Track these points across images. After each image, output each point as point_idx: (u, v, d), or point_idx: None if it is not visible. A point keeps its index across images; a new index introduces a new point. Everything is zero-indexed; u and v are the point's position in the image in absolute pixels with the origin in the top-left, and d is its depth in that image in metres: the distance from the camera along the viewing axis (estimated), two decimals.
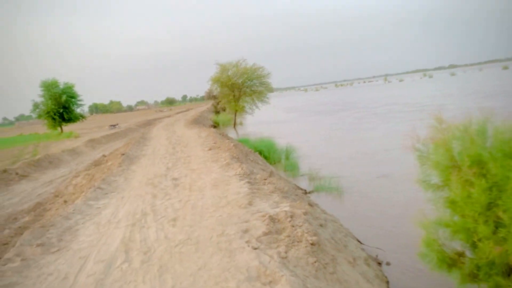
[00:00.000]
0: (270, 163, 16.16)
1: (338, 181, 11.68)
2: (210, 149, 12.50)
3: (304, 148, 17.84)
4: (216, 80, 36.69)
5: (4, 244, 6.90)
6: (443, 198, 4.90)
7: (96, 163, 16.03)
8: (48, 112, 34.94)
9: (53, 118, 35.30)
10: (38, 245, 5.12)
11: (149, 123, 42.92)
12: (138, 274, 4.07)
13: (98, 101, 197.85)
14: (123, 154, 13.39)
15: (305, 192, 11.33)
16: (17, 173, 15.62)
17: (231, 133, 30.93)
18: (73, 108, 36.78)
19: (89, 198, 7.63)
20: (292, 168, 14.66)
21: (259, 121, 37.11)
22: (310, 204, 6.55)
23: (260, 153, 17.09)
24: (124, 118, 75.04)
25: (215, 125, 40.48)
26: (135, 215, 6.22)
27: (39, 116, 36.60)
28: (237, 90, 36.59)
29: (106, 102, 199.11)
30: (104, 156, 17.89)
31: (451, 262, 4.69)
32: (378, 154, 15.06)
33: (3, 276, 4.31)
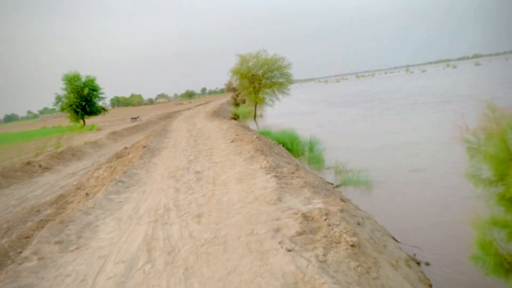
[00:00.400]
0: (294, 156, 15.73)
1: (366, 174, 11.15)
2: (232, 141, 12.12)
3: (328, 141, 17.29)
4: (236, 72, 36.16)
5: (26, 238, 6.70)
6: (496, 194, 4.38)
7: (118, 155, 15.91)
8: (70, 105, 35.32)
9: (76, 111, 35.68)
10: (56, 243, 4.84)
11: (169, 116, 42.88)
12: (162, 277, 3.72)
13: (119, 94, 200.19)
14: (144, 147, 13.15)
15: (333, 186, 10.88)
16: (40, 166, 15.65)
17: (252, 125, 30.50)
18: (94, 101, 37.13)
19: (110, 191, 7.35)
20: (316, 160, 14.16)
21: (280, 113, 36.57)
22: (343, 200, 6.09)
23: (283, 145, 16.67)
24: (145, 111, 75.57)
25: (235, 118, 40.10)
26: (157, 210, 5.89)
27: (62, 109, 37.11)
28: (257, 81, 36.02)
29: (127, 95, 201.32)
30: (125, 148, 17.76)
31: (509, 267, 4.18)
32: (410, 147, 14.27)
33: (19, 276, 4.03)
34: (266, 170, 7.35)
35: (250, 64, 35.89)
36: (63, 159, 17.59)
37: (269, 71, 35.88)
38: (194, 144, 13.16)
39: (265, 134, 20.72)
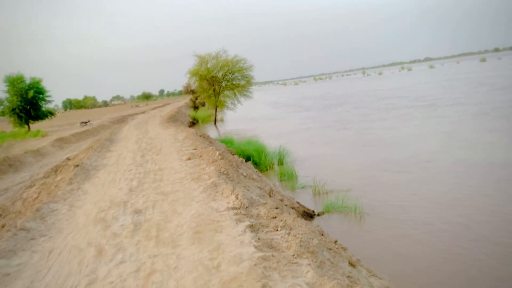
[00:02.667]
0: (261, 171, 13.58)
1: (352, 197, 9.17)
2: (189, 159, 9.75)
3: (300, 151, 15.28)
4: (194, 73, 33.69)
5: None
6: None
7: (57, 168, 13.34)
8: (13, 109, 32.32)
9: (19, 116, 32.75)
10: None
11: (122, 120, 39.87)
12: None
13: (72, 96, 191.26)
14: (77, 166, 10.49)
15: (313, 214, 8.78)
16: None
17: (212, 131, 28.11)
18: (41, 104, 34.08)
19: (1, 250, 4.84)
20: (289, 176, 12.06)
21: (242, 118, 34.28)
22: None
23: (249, 158, 14.47)
24: (99, 113, 71.25)
25: (194, 122, 37.57)
26: None
27: (2, 113, 34.04)
28: (217, 84, 33.71)
29: (80, 97, 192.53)
30: (68, 159, 15.19)
31: None
32: (410, 164, 12.03)
33: None
34: (236, 213, 5.09)
35: (209, 65, 33.56)
36: None
37: (229, 73, 33.69)
38: (141, 162, 10.66)
39: (226, 142, 18.41)
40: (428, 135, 16.00)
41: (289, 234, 4.34)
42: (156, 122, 25.94)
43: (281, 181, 12.09)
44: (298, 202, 9.01)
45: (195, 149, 11.16)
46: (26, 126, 33.87)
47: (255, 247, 3.90)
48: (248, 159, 14.85)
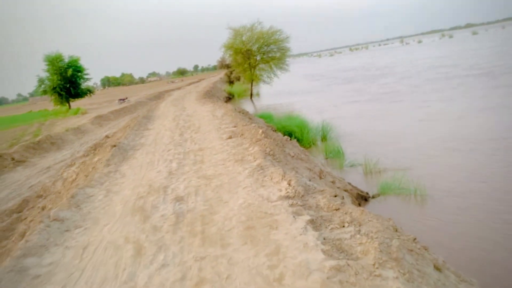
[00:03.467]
0: (304, 148, 12.78)
1: (411, 178, 8.25)
2: (230, 137, 9.08)
3: (346, 128, 14.25)
4: (229, 47, 32.80)
5: None
6: None
7: (96, 146, 13.20)
8: (54, 88, 33.02)
9: (60, 94, 33.45)
10: None
11: (159, 96, 39.84)
12: None
13: (110, 74, 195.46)
14: (114, 146, 10.06)
15: (368, 197, 7.95)
16: (13, 159, 13.37)
17: (248, 106, 27.36)
18: (79, 82, 34.64)
19: (29, 247, 4.36)
20: (335, 154, 11.18)
21: (279, 92, 33.16)
22: None
23: (291, 134, 13.66)
24: (136, 90, 72.14)
25: (230, 97, 36.93)
26: None
27: (44, 92, 34.75)
28: (252, 57, 32.71)
29: (118, 75, 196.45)
30: (107, 137, 15.15)
31: None
32: (483, 140, 10.45)
33: None
34: (291, 204, 4.37)
35: (244, 38, 32.55)
36: (40, 149, 15.18)
37: (265, 46, 32.55)
38: (179, 141, 10.10)
39: (265, 118, 17.63)
40: (499, 108, 14.04)
41: (359, 232, 3.57)
42: (193, 98, 25.45)
43: (326, 158, 11.25)
44: (349, 183, 8.20)
45: (235, 126, 10.47)
46: (67, 104, 34.65)
47: (323, 251, 3.17)
48: (289, 135, 14.12)
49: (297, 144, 8.86)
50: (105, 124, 22.14)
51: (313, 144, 13.03)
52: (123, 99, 37.89)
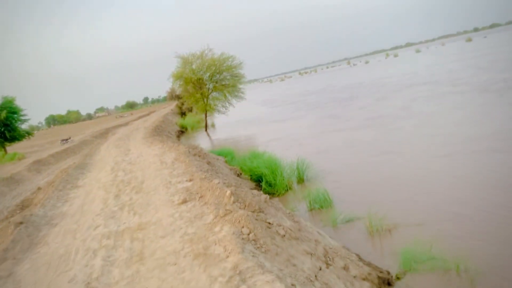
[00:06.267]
0: (278, 195, 10.28)
1: (437, 238, 5.93)
2: (184, 202, 6.42)
3: (329, 166, 11.87)
4: (178, 77, 30.15)
5: None
6: None
7: (23, 204, 10.16)
8: None
9: None
10: None
11: (106, 132, 36.68)
12: None
13: (56, 111, 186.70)
14: (20, 223, 7.06)
15: (390, 278, 5.49)
16: None
17: (204, 140, 24.66)
18: (16, 125, 30.69)
19: None
20: (322, 203, 8.71)
21: (236, 121, 30.71)
22: None
23: (261, 179, 11.13)
24: (82, 127, 67.52)
25: (183, 130, 34.08)
26: None
27: None
28: (204, 86, 30.27)
29: (64, 112, 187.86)
30: (39, 189, 12.30)
31: None
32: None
33: None
34: None
35: (194, 66, 30.06)
36: None
37: (217, 73, 30.23)
38: (114, 207, 7.26)
39: (225, 155, 15.03)
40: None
41: None
42: (139, 137, 22.40)
43: (310, 210, 8.76)
44: (358, 256, 5.75)
45: (191, 180, 7.81)
46: (3, 149, 30.70)
47: None
48: (259, 180, 11.56)
49: (281, 206, 6.34)
50: (44, 170, 19.05)
51: (289, 188, 10.55)
52: (66, 139, 34.25)
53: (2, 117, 28.68)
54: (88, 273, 4.62)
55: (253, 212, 5.42)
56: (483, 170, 8.77)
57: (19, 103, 31.29)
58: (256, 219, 4.88)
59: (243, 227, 4.60)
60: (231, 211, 5.08)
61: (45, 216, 7.77)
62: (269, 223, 5.13)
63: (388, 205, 7.82)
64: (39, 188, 12.38)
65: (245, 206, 5.56)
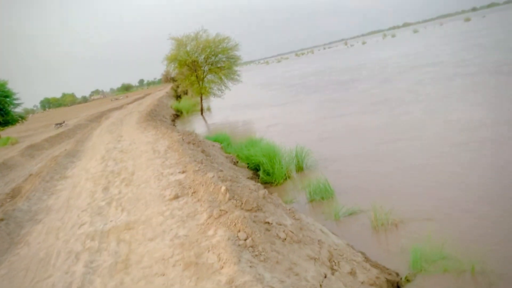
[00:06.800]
0: (276, 184, 9.84)
1: (449, 234, 5.52)
2: (175, 197, 5.95)
3: (326, 152, 11.39)
4: (172, 59, 29.32)
5: None
6: None
7: (15, 191, 9.71)
8: None
9: None
10: None
11: (100, 116, 36.19)
12: None
13: (50, 94, 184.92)
14: (1, 221, 6.57)
15: (399, 281, 5.07)
16: None
17: (200, 124, 24.12)
18: (8, 109, 30.38)
19: None
20: (322, 193, 8.26)
21: (233, 105, 30.05)
22: None
23: (258, 167, 10.67)
24: (77, 111, 66.62)
25: (178, 114, 33.44)
26: None
27: None
28: (199, 68, 29.52)
29: (59, 95, 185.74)
30: (31, 175, 11.79)
31: None
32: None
33: None
34: None
35: (188, 48, 29.22)
36: None
37: (212, 55, 29.42)
38: (101, 202, 6.78)
39: (221, 141, 14.53)
40: None
41: None
42: (133, 121, 21.79)
43: (311, 201, 8.30)
44: (364, 255, 5.32)
45: (184, 171, 7.32)
46: None
47: None
48: (256, 169, 11.08)
49: (281, 201, 5.86)
50: (37, 155, 18.50)
51: (288, 177, 10.08)
52: (60, 124, 33.70)
53: None
54: (68, 282, 4.16)
55: (251, 211, 4.94)
56: (504, 161, 8.21)
57: (12, 86, 30.82)
58: (254, 221, 4.41)
59: (239, 231, 4.13)
60: (226, 212, 4.60)
61: (29, 211, 7.29)
62: (268, 223, 4.66)
63: (395, 197, 7.37)
64: (31, 175, 11.92)
65: (242, 203, 5.08)
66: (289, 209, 5.63)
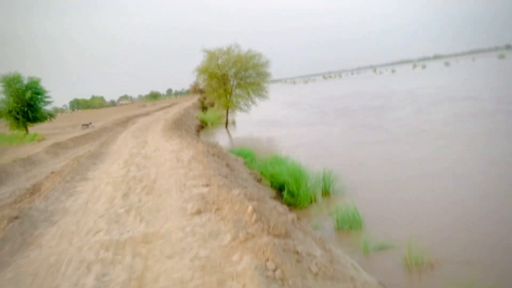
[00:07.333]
0: (301, 207, 9.35)
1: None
2: (198, 212, 5.59)
3: (355, 178, 10.84)
4: (203, 71, 29.53)
5: None
6: None
7: (34, 189, 9.61)
8: (10, 111, 29.45)
9: (16, 118, 29.85)
10: None
11: (127, 120, 36.94)
12: None
13: (81, 95, 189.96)
14: (15, 218, 6.34)
15: None
16: None
17: (223, 137, 23.89)
18: (39, 106, 31.12)
19: None
20: (350, 223, 7.74)
21: (258, 121, 29.79)
22: None
23: (283, 187, 10.22)
24: (104, 114, 68.01)
25: (203, 125, 33.43)
26: None
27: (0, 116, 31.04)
28: (228, 82, 29.53)
29: (89, 97, 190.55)
30: (52, 173, 11.73)
31: None
32: None
33: None
34: None
35: (219, 62, 29.36)
36: None
37: (242, 70, 29.42)
38: (120, 210, 6.47)
39: (245, 156, 14.18)
40: None
41: None
42: (159, 129, 21.76)
43: (338, 229, 7.80)
44: None
45: (207, 185, 6.96)
46: (25, 129, 30.90)
47: None
48: (280, 188, 10.63)
49: (310, 228, 5.39)
50: (62, 153, 18.87)
51: (313, 201, 9.60)
52: (87, 125, 34.40)
53: (27, 97, 29.15)
54: None
55: (279, 236, 4.52)
56: None
57: (45, 84, 31.63)
58: (284, 250, 3.98)
59: (267, 260, 3.71)
60: (254, 236, 4.19)
61: (45, 211, 7.04)
62: (298, 253, 4.23)
63: (430, 234, 6.82)
64: (52, 173, 11.87)
65: (269, 227, 4.66)
66: (319, 238, 5.17)
